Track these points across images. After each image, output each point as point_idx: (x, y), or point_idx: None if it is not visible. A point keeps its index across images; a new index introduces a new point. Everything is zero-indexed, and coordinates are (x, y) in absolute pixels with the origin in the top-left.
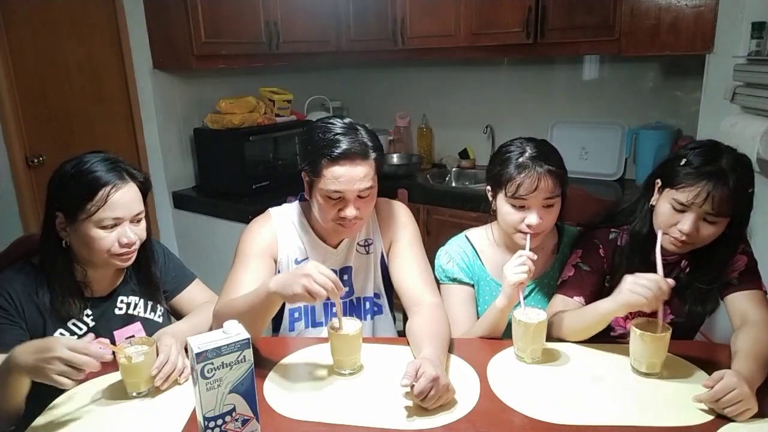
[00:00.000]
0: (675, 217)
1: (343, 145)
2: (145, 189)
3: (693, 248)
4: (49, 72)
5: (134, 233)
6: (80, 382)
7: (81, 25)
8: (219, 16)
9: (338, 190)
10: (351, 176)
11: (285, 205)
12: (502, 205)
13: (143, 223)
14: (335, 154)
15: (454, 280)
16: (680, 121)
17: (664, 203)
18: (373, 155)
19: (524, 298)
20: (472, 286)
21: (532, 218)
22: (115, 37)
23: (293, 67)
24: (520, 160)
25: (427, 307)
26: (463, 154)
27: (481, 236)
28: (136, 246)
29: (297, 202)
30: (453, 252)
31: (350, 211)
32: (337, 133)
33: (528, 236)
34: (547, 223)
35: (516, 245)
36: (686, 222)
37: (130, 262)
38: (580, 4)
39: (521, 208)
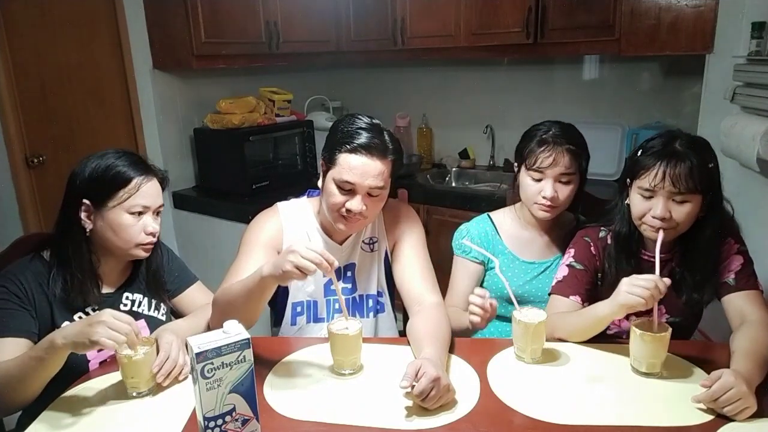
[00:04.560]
0: (646, 205)
1: (365, 138)
2: (164, 185)
3: (676, 234)
4: (49, 72)
5: (156, 224)
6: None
7: (81, 25)
8: (219, 16)
9: (350, 181)
10: (365, 170)
11: (293, 200)
12: (524, 177)
13: (160, 218)
14: (355, 144)
15: (466, 254)
16: (680, 121)
17: (634, 195)
18: (391, 157)
19: (535, 277)
20: (483, 265)
21: (548, 189)
22: (115, 37)
23: (293, 67)
24: (544, 136)
25: (428, 307)
26: (463, 154)
27: (502, 213)
28: (155, 238)
29: (305, 197)
30: (473, 229)
31: (356, 205)
32: (361, 128)
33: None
34: (562, 197)
35: (533, 219)
36: (657, 207)
37: (148, 254)
38: (580, 4)
39: (539, 180)
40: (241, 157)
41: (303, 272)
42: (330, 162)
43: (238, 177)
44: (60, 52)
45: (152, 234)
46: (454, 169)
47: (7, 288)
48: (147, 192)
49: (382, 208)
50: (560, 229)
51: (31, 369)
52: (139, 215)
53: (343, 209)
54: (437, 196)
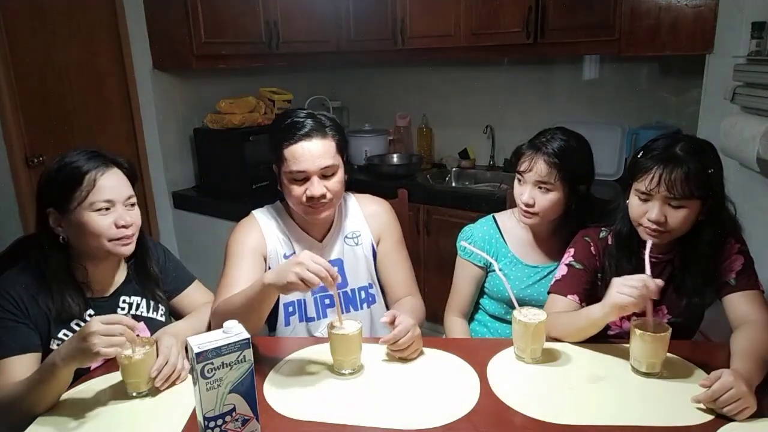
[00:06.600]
0: (642, 207)
1: (300, 127)
2: (132, 176)
3: (671, 237)
4: (49, 72)
5: (129, 216)
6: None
7: (81, 26)
8: (219, 16)
9: (300, 169)
10: (311, 153)
11: (266, 206)
12: (516, 179)
13: (137, 209)
14: (296, 134)
15: (468, 256)
16: (680, 121)
17: (632, 197)
18: (330, 133)
19: (538, 281)
20: (485, 269)
21: (525, 194)
22: (115, 38)
23: (293, 67)
24: (534, 141)
25: (405, 300)
26: (463, 154)
27: (506, 215)
28: (134, 230)
29: (278, 201)
30: (476, 231)
31: (316, 189)
32: (298, 117)
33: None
34: (541, 206)
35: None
36: (652, 210)
37: (130, 248)
38: (580, 4)
39: (521, 184)
40: (241, 157)
41: (306, 285)
42: (279, 161)
43: (238, 177)
44: (60, 52)
45: (124, 226)
46: (454, 169)
47: (1, 305)
48: (106, 185)
49: (357, 203)
50: (564, 234)
51: (37, 392)
52: (107, 211)
53: (305, 197)
54: (437, 196)
